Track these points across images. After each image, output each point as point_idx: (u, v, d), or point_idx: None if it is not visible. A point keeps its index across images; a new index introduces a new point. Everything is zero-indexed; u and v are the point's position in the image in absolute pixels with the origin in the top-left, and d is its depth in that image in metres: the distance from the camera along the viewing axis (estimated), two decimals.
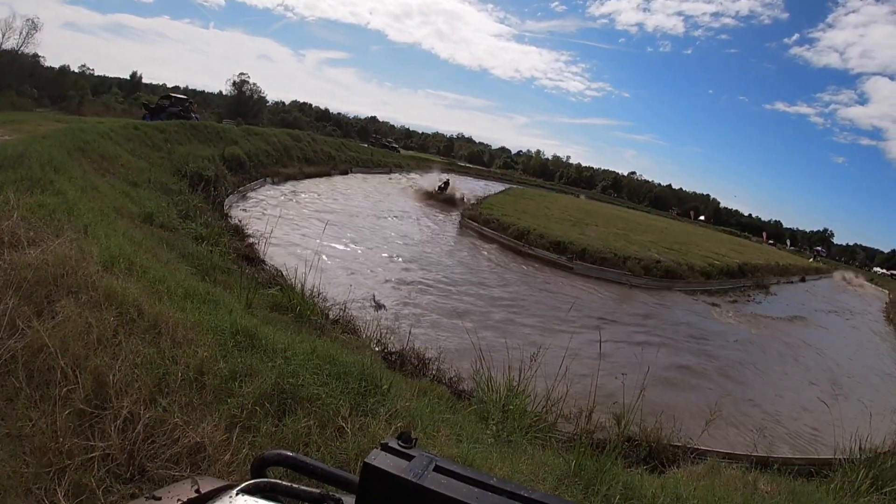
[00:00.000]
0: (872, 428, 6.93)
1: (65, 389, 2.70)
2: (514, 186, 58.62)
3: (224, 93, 66.12)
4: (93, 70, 62.06)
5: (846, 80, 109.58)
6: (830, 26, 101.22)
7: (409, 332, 7.85)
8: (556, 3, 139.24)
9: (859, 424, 7.18)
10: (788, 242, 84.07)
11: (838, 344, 21.24)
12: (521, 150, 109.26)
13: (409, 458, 0.74)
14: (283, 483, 0.84)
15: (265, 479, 0.84)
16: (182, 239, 8.69)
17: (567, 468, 3.58)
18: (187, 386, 3.03)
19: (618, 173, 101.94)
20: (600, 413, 6.32)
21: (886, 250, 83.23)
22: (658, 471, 5.58)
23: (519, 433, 4.41)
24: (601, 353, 6.67)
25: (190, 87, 69.71)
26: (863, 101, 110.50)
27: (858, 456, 6.38)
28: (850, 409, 10.69)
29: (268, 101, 69.33)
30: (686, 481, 4.58)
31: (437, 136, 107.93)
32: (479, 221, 25.86)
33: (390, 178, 41.90)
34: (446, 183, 34.92)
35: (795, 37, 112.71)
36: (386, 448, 0.75)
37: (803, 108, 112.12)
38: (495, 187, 51.04)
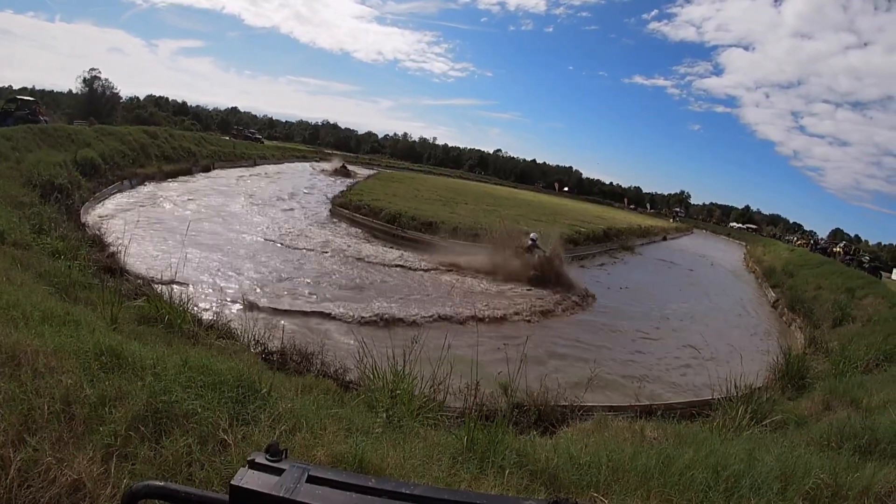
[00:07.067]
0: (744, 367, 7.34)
1: None
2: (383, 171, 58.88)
3: (74, 91, 60.62)
4: None
5: (702, 52, 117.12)
6: (688, 1, 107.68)
7: (283, 329, 7.72)
8: None
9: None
10: (649, 206, 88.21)
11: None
12: (387, 134, 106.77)
13: (279, 472, 0.72)
14: None
15: None
16: (37, 256, 8.00)
17: (460, 445, 3.60)
18: (55, 419, 2.80)
19: (484, 151, 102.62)
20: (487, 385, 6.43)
21: (741, 206, 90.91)
22: (549, 432, 5.80)
23: (409, 417, 4.41)
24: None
25: (38, 88, 62.07)
26: (718, 71, 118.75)
27: (735, 394, 6.78)
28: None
29: (121, 98, 65.17)
30: (577, 438, 4.71)
31: (301, 124, 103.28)
32: (349, 208, 25.94)
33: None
34: None
35: (654, 12, 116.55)
36: (253, 465, 0.73)
37: (660, 81, 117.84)
38: None
